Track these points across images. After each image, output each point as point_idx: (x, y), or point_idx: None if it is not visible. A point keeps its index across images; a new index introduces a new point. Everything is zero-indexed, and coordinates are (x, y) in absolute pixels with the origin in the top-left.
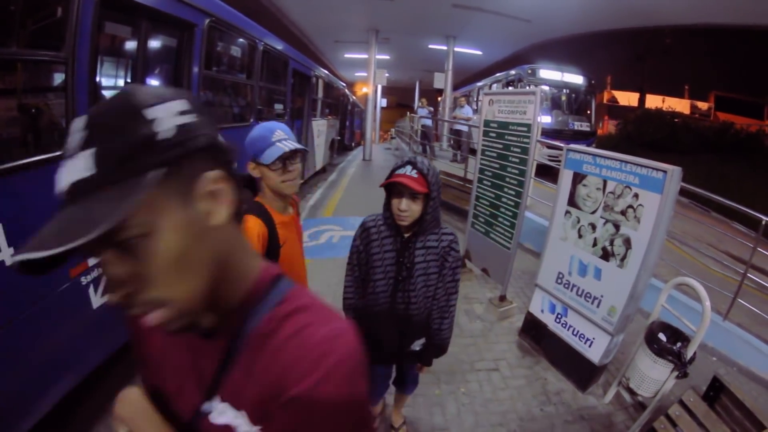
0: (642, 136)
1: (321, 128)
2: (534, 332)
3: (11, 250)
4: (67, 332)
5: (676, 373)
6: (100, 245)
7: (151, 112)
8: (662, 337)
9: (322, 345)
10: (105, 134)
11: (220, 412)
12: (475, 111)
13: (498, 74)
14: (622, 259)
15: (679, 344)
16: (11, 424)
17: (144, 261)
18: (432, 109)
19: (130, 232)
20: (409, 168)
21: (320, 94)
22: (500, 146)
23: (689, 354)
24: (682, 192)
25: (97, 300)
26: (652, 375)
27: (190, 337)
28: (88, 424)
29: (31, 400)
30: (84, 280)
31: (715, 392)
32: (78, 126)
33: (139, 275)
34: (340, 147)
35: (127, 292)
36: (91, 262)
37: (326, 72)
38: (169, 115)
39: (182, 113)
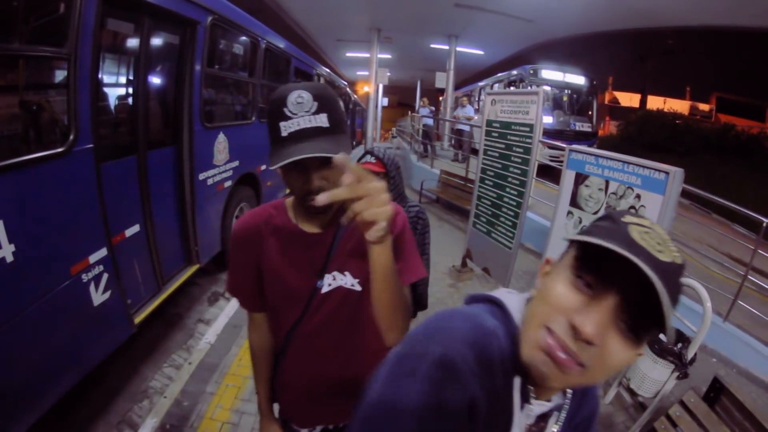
0: (643, 137)
1: None
2: None
3: (12, 247)
4: (67, 329)
5: (676, 374)
6: (326, 162)
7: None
8: (663, 337)
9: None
10: (329, 107)
11: (329, 281)
12: (477, 111)
13: (500, 74)
14: None
15: (679, 345)
16: (12, 421)
17: (336, 174)
18: (433, 108)
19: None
20: (368, 156)
21: None
22: (502, 146)
23: (690, 355)
24: (683, 193)
25: (97, 297)
26: (653, 375)
27: (305, 241)
28: (89, 423)
29: (32, 397)
30: (84, 278)
31: (716, 393)
32: (306, 96)
33: (332, 182)
34: None
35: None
36: (92, 259)
37: (328, 70)
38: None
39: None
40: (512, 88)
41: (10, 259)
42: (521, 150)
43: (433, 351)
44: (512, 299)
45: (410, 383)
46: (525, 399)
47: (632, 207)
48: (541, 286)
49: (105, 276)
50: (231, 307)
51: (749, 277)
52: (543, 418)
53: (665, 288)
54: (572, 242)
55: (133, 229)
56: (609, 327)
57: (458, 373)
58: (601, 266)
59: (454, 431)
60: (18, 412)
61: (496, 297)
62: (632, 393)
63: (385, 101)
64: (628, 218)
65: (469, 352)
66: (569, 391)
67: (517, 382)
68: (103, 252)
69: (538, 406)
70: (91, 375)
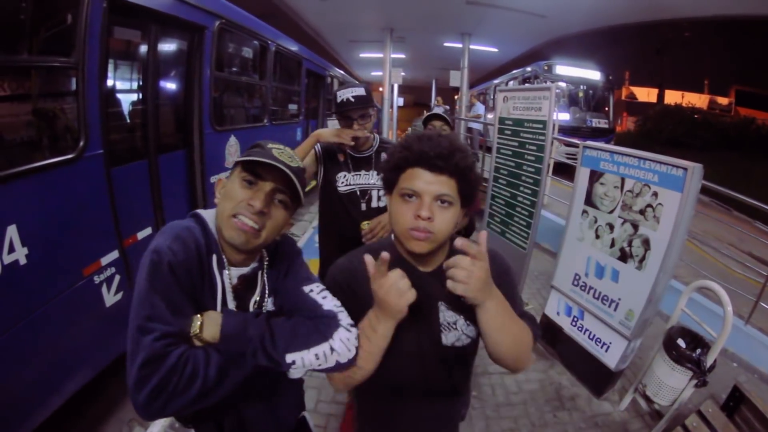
0: (661, 132)
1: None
2: (549, 335)
3: (25, 250)
4: (80, 329)
5: (694, 381)
6: None
7: None
8: (681, 343)
9: None
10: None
11: None
12: (491, 109)
13: (514, 71)
14: (641, 261)
15: (698, 351)
16: (25, 415)
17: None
18: (448, 107)
19: None
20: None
21: None
22: (515, 144)
23: (709, 362)
24: (703, 190)
25: (109, 298)
26: (670, 382)
27: None
28: (101, 419)
29: (45, 393)
30: (97, 279)
31: (735, 402)
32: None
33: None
34: None
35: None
36: (104, 261)
37: (341, 72)
38: None
39: None
40: (527, 85)
41: (23, 261)
42: (534, 148)
43: (154, 245)
44: (208, 212)
45: (144, 265)
46: (222, 267)
47: (649, 205)
48: (223, 194)
49: (117, 278)
50: None
51: None
52: (251, 280)
53: (296, 178)
54: (238, 163)
55: (145, 232)
56: (270, 203)
57: (162, 254)
58: (258, 171)
59: (170, 287)
60: (31, 407)
61: (196, 211)
62: (648, 400)
63: (401, 101)
64: (270, 145)
65: (173, 242)
66: (266, 258)
67: (214, 258)
68: (114, 254)
69: (236, 271)
70: (104, 373)
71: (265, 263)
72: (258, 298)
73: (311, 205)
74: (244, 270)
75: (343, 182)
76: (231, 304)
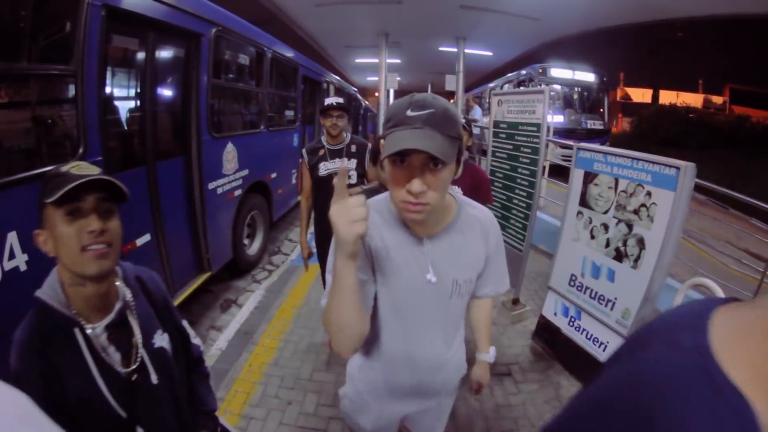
0: (657, 133)
1: None
2: (547, 336)
3: (25, 257)
4: None
5: None
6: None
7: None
8: None
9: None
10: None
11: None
12: (487, 112)
13: (509, 74)
14: (636, 260)
15: None
16: None
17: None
18: None
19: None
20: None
21: None
22: (510, 147)
23: None
24: (699, 189)
25: None
26: None
27: None
28: None
29: None
30: None
31: None
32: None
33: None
34: None
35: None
36: None
37: (337, 77)
38: None
39: None
40: (521, 88)
41: (23, 268)
42: (529, 150)
43: (9, 370)
44: (46, 287)
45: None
46: (84, 331)
47: (643, 205)
48: (53, 245)
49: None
50: (242, 314)
51: None
52: (122, 323)
53: (107, 176)
54: (46, 205)
55: (144, 239)
56: (102, 218)
57: (20, 383)
58: (72, 198)
59: (36, 386)
60: None
61: (36, 296)
62: None
63: None
64: (63, 169)
65: (19, 362)
66: (127, 296)
67: (76, 330)
68: None
69: (100, 325)
70: None
71: (129, 300)
72: (140, 336)
73: None
74: (110, 318)
75: (322, 169)
76: (115, 357)
